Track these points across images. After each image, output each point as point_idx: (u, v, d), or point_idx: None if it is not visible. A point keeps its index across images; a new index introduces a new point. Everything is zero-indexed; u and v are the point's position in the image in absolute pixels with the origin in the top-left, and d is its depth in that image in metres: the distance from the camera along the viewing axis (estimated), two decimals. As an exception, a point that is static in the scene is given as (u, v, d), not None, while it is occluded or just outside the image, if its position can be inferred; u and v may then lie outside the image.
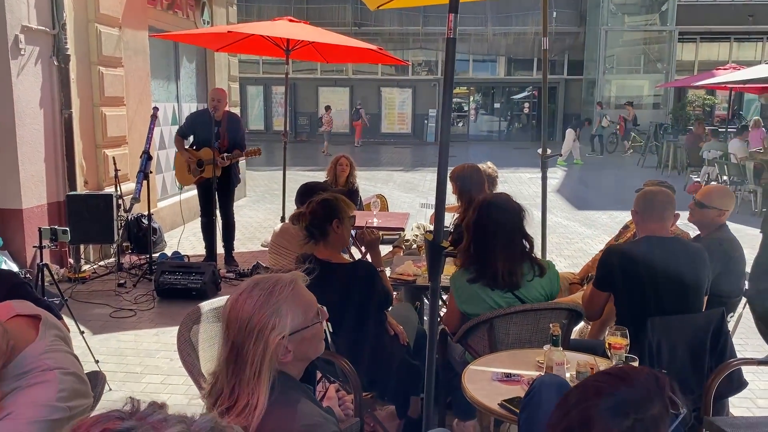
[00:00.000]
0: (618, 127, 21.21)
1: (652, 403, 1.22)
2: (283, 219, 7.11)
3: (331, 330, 2.94)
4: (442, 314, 4.20)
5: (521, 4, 23.97)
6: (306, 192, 4.10)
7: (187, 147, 6.52)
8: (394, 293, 3.70)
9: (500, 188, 5.15)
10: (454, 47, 2.50)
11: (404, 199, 11.38)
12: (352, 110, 24.63)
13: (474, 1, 16.15)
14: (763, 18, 22.16)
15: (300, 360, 1.61)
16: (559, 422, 1.28)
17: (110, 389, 3.74)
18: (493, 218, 2.92)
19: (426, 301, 4.21)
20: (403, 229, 5.63)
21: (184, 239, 7.36)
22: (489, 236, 2.91)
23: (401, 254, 5.11)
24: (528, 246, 2.98)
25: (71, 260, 6.27)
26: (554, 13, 23.56)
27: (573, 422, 1.25)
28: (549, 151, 5.01)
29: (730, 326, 3.33)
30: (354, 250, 5.06)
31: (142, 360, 4.44)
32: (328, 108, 22.04)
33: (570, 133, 17.86)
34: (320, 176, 7.16)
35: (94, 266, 6.51)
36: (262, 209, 10.27)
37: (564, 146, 17.62)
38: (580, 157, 17.90)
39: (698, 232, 3.64)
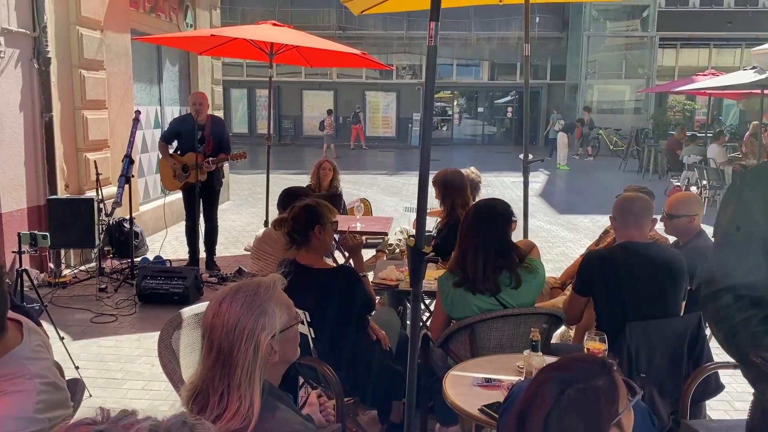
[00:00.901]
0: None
1: (596, 376, 1.32)
2: (266, 223, 7.09)
3: (313, 335, 2.95)
4: (424, 319, 4.23)
5: (504, 9, 24.12)
6: (288, 197, 4.09)
7: (171, 153, 6.49)
8: (377, 298, 3.71)
9: (483, 192, 5.19)
10: (435, 55, 2.52)
11: (388, 203, 11.40)
12: (351, 114, 24.71)
13: (457, 6, 16.20)
14: (742, 25, 22.51)
15: (283, 362, 1.62)
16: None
17: (90, 395, 3.71)
18: (472, 224, 2.95)
19: (408, 305, 4.22)
20: (386, 234, 5.65)
21: (167, 243, 7.31)
22: (466, 241, 2.95)
23: (384, 259, 5.12)
24: (516, 258, 2.95)
25: (51, 265, 6.20)
26: (537, 19, 23.78)
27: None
28: (531, 156, 5.05)
29: (707, 331, 3.37)
30: (337, 255, 5.07)
31: (123, 366, 4.40)
32: (330, 111, 22.65)
33: (562, 136, 18.02)
34: (304, 179, 7.15)
35: (75, 271, 6.44)
36: (246, 213, 10.23)
37: (560, 150, 17.80)
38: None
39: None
